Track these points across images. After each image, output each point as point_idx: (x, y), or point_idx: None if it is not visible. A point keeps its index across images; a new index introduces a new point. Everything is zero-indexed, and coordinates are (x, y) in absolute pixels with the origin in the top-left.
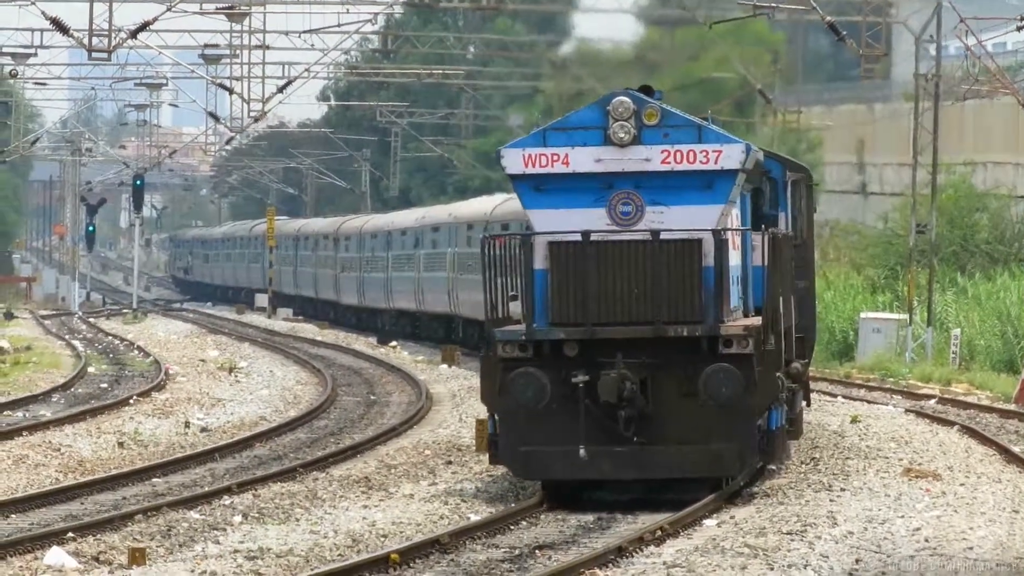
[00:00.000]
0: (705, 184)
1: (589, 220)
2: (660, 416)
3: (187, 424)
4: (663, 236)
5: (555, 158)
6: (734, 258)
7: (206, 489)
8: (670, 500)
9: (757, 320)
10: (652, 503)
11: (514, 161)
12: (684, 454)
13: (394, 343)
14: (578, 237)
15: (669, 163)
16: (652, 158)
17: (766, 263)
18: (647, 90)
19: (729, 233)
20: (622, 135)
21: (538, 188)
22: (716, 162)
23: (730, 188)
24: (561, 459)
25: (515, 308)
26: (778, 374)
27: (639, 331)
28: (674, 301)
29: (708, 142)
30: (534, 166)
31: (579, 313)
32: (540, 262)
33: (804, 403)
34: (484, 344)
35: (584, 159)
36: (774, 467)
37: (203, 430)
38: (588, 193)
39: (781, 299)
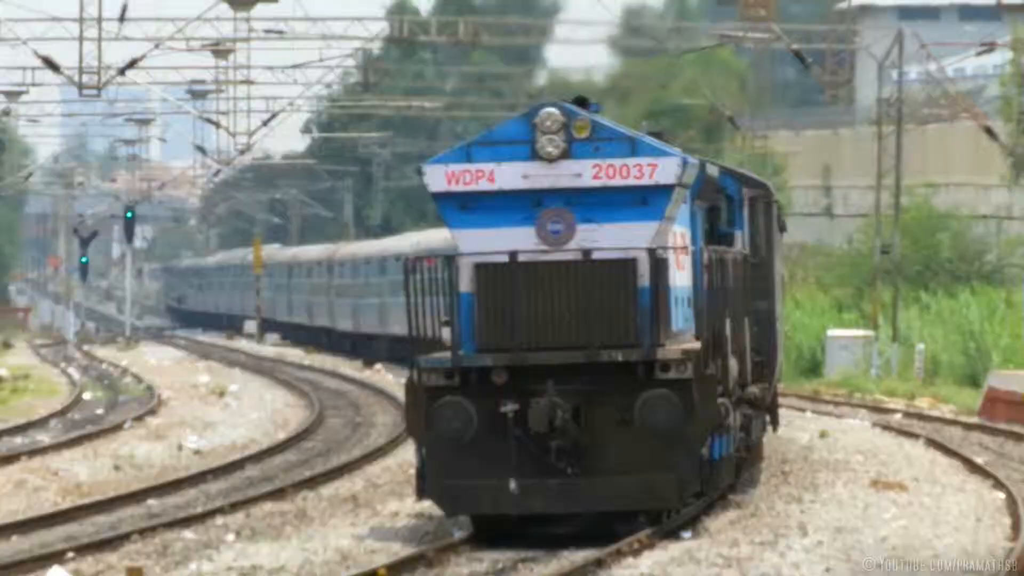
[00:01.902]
0: (639, 200)
1: (517, 240)
2: (595, 446)
3: (180, 447)
4: (595, 255)
5: (480, 175)
6: (680, 279)
7: (200, 509)
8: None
9: (697, 344)
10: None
11: (436, 178)
12: (620, 486)
13: (378, 366)
14: (505, 258)
15: (601, 178)
16: (583, 173)
17: (706, 283)
18: (582, 102)
19: (671, 252)
20: (550, 149)
21: (463, 207)
22: (651, 176)
23: (666, 204)
24: (490, 493)
25: (448, 334)
26: (721, 400)
27: (571, 356)
28: (608, 324)
29: (642, 155)
30: (458, 184)
31: (507, 338)
32: (466, 285)
33: (771, 428)
34: (409, 372)
35: (511, 175)
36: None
37: (196, 453)
38: (516, 211)
39: (730, 321)
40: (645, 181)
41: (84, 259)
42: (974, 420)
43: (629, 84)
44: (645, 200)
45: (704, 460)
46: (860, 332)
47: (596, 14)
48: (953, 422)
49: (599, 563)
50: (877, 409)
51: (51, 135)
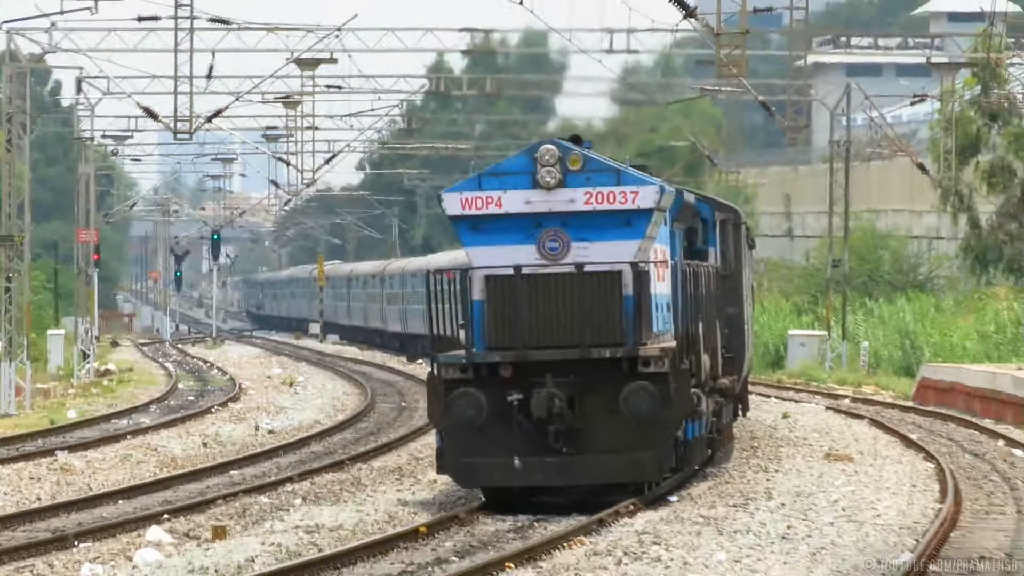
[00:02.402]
0: (624, 222)
1: (521, 255)
2: (586, 429)
3: (257, 427)
4: (587, 269)
5: (489, 201)
6: (660, 288)
7: (273, 478)
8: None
9: (674, 343)
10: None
11: (453, 204)
12: (608, 463)
13: (420, 360)
14: (511, 271)
15: (591, 204)
16: (576, 199)
17: (681, 292)
18: (576, 140)
19: (653, 266)
20: (549, 179)
21: (475, 228)
22: (633, 202)
23: (646, 225)
24: (498, 469)
25: (463, 335)
26: (693, 390)
27: (566, 354)
28: (597, 326)
29: (626, 184)
30: (471, 208)
31: (513, 338)
32: (478, 294)
33: (741, 413)
34: (430, 366)
35: (515, 201)
36: (717, 461)
37: (270, 432)
38: (519, 232)
39: (703, 323)
40: (628, 206)
41: (178, 273)
42: (909, 404)
43: (625, 129)
44: (629, 222)
45: (679, 441)
46: (815, 332)
47: (598, 71)
48: (892, 405)
49: (601, 522)
50: (829, 395)
51: (151, 172)
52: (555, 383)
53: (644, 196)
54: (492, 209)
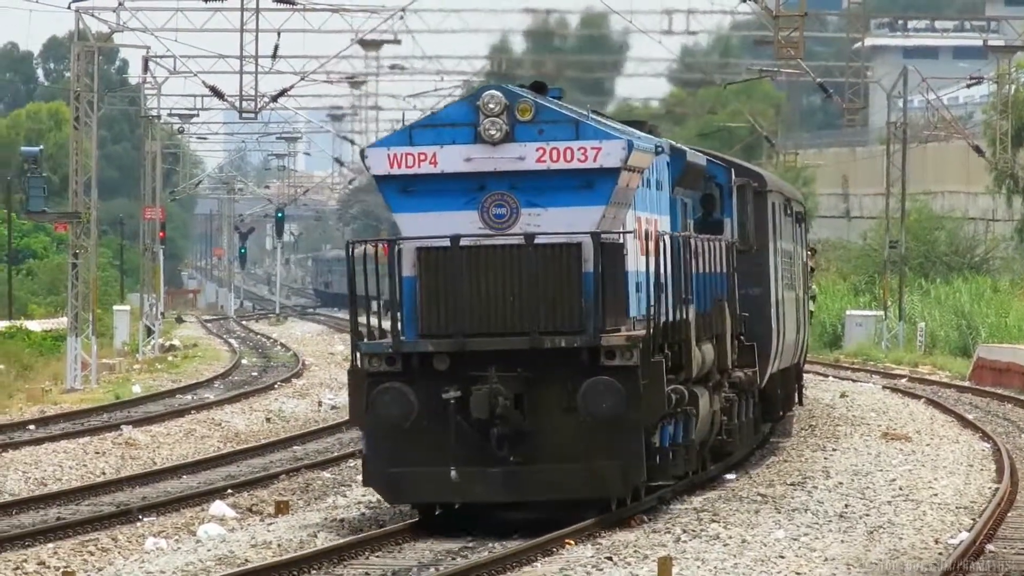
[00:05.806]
0: (584, 184)
1: (460, 224)
2: (538, 433)
3: (319, 403)
4: (539, 240)
5: (422, 157)
6: (643, 264)
7: (335, 454)
8: None
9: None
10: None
11: (378, 161)
12: (563, 474)
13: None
14: (447, 242)
15: (545, 161)
16: (526, 156)
17: (654, 269)
18: (540, 87)
19: (632, 236)
20: (493, 132)
21: (405, 190)
22: (595, 160)
23: (612, 188)
24: (431, 481)
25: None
26: (675, 387)
27: (514, 343)
28: (552, 310)
29: (586, 138)
30: (400, 166)
31: (450, 324)
32: (409, 269)
33: (783, 409)
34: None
35: (453, 158)
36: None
37: (332, 408)
38: (459, 195)
39: (695, 307)
40: (589, 164)
41: (243, 250)
42: (966, 384)
43: (684, 110)
44: (590, 184)
45: (652, 447)
46: (872, 312)
47: (658, 52)
48: (948, 385)
49: (661, 500)
50: (886, 375)
51: (216, 150)
52: (499, 378)
53: (608, 153)
54: (425, 168)
